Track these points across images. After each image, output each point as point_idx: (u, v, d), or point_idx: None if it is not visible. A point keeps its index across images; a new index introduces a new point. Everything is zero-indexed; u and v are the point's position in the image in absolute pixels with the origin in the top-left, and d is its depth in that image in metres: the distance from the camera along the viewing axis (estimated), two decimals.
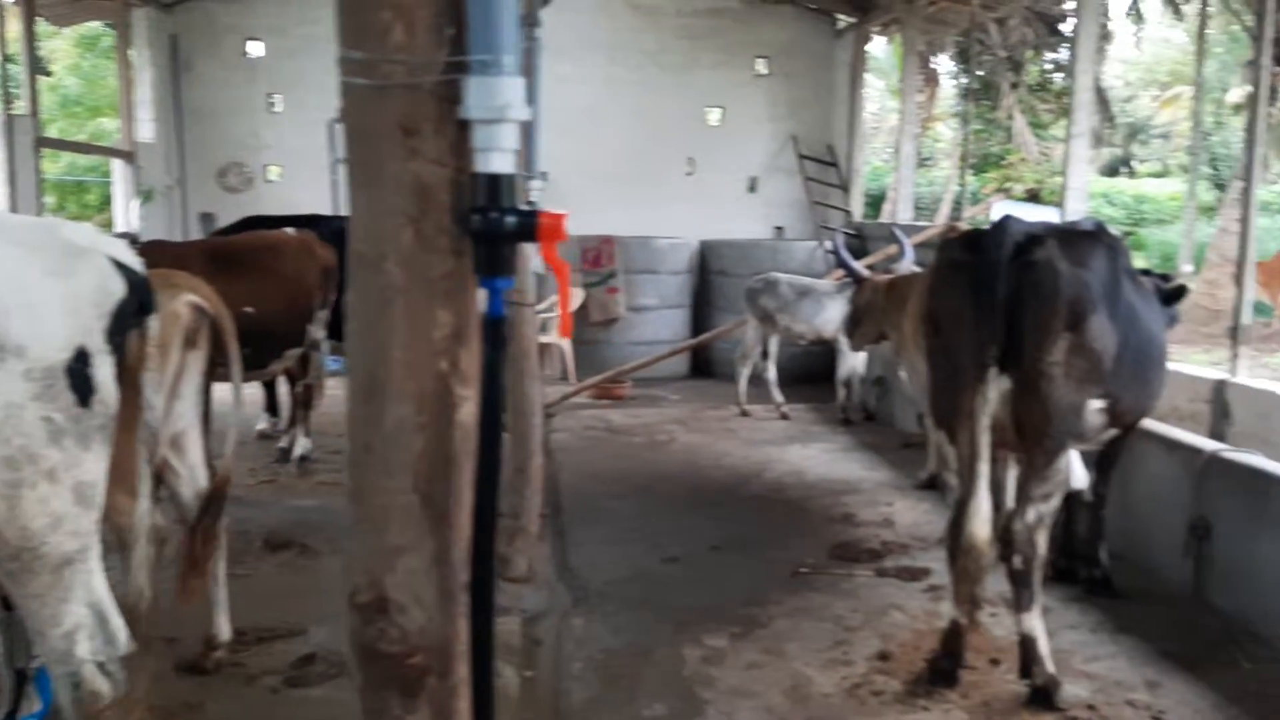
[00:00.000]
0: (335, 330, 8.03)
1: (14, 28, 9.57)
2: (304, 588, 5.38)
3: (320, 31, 12.71)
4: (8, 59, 9.11)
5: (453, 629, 1.28)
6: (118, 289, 2.80)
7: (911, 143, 12.61)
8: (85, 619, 2.74)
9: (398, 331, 1.22)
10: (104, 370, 2.76)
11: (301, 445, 8.09)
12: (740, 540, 6.07)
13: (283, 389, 8.99)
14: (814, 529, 6.28)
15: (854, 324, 7.29)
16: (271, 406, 9.27)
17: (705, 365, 11.83)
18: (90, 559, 2.76)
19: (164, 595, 3.71)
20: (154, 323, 3.05)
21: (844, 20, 13.11)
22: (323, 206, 11.62)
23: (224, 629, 4.38)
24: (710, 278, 12.00)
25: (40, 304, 2.62)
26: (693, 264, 12.05)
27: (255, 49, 12.98)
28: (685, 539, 6.08)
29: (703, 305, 12.08)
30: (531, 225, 1.40)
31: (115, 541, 3.23)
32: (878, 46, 18.44)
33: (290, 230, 7.67)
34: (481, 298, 1.37)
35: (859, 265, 7.48)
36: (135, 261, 2.95)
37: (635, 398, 10.50)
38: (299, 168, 13.06)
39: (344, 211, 10.96)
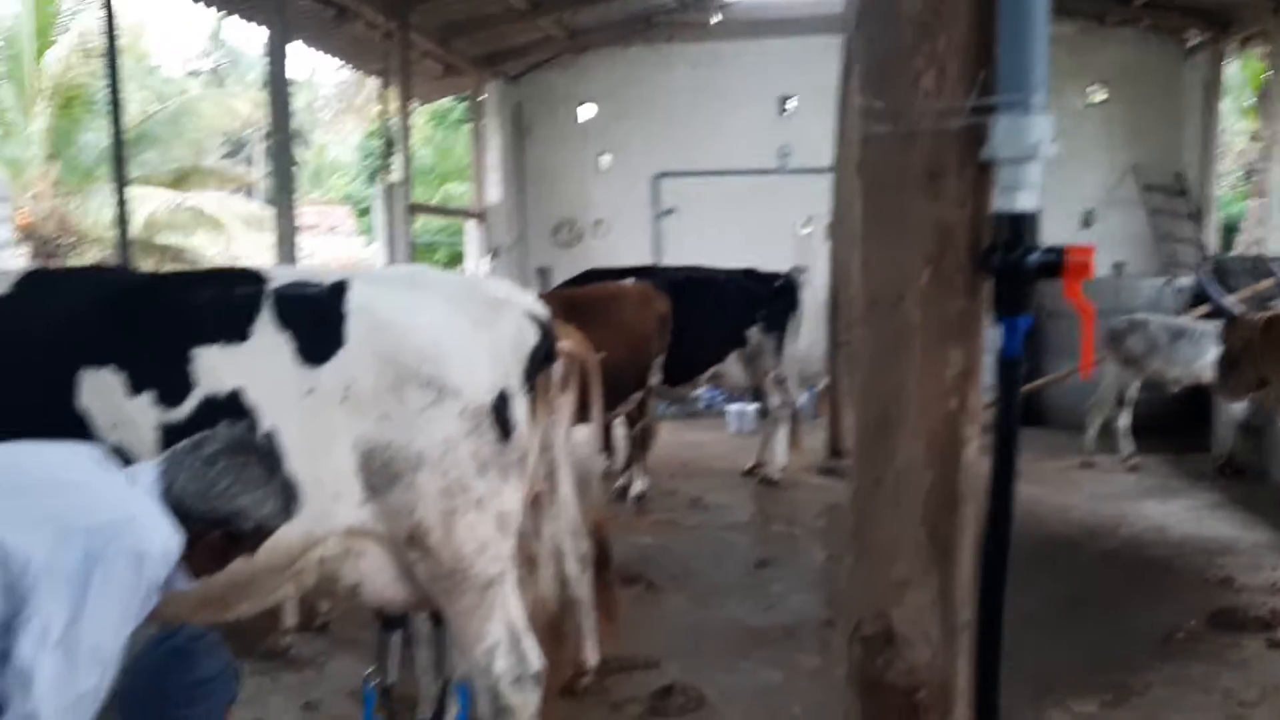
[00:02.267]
0: (667, 375, 8.36)
1: (390, 107, 10.85)
2: (653, 622, 5.59)
3: (643, 94, 13.52)
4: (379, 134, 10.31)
5: (954, 667, 1.28)
6: (531, 337, 3.08)
7: None
8: (502, 637, 3.00)
9: (912, 370, 1.25)
10: (520, 410, 3.04)
11: (639, 484, 8.45)
12: (1098, 599, 5.65)
13: (618, 431, 9.47)
14: (1184, 591, 5.73)
15: (1227, 368, 6.61)
16: (607, 447, 9.76)
17: (1034, 413, 11.14)
18: (507, 583, 3.03)
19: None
20: (557, 367, 3.32)
21: (1196, 38, 12.11)
22: (644, 258, 12.22)
23: (592, 655, 4.63)
24: (1040, 319, 11.32)
25: (471, 351, 2.93)
26: None
27: (586, 112, 13.89)
28: (1036, 595, 5.72)
29: (1030, 349, 11.38)
30: (1056, 262, 1.38)
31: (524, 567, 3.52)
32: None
33: (630, 281, 8.09)
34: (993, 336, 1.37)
35: (1231, 301, 6.80)
36: (544, 312, 3.23)
37: None
38: (622, 222, 13.84)
39: (668, 262, 11.48)
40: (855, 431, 1.33)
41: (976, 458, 1.26)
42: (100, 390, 2.58)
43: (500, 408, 2.95)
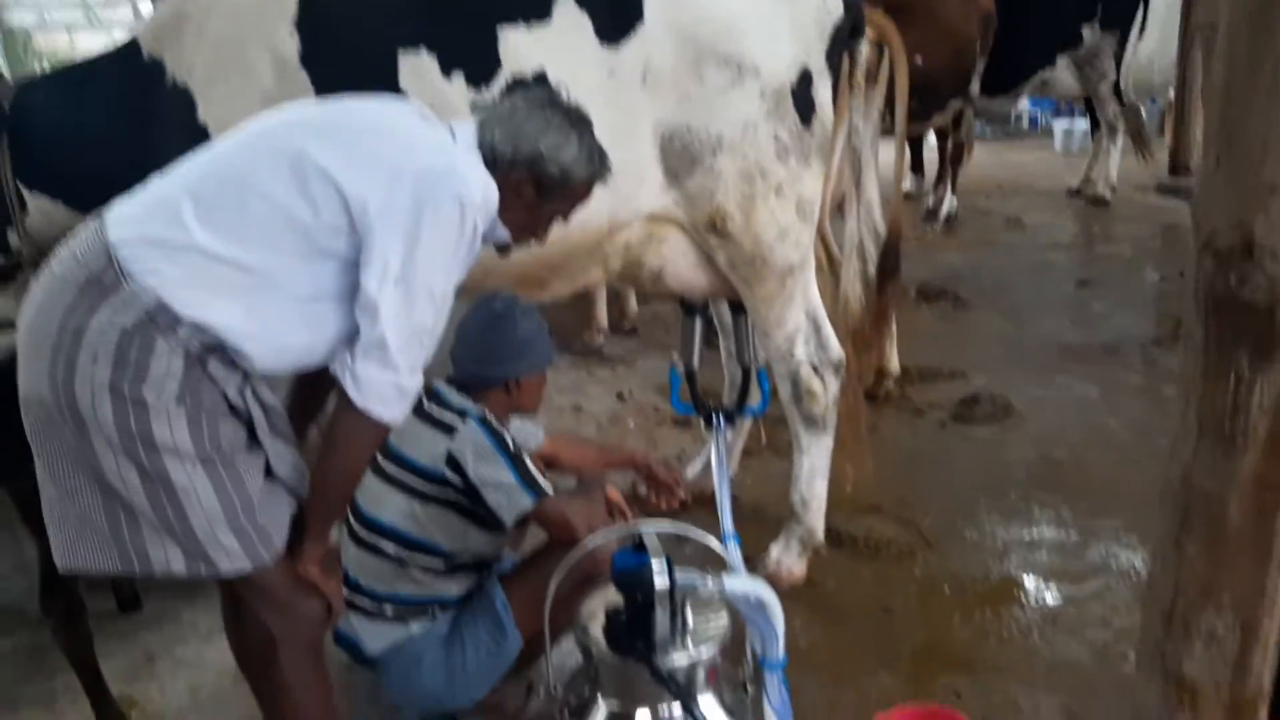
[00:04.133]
0: (986, 83, 7.68)
1: None
2: (960, 336, 5.45)
3: None
4: None
5: None
6: (836, 10, 2.86)
7: None
8: (803, 324, 3.00)
9: None
10: (823, 91, 2.87)
11: (948, 204, 8.05)
12: None
13: (927, 152, 8.96)
14: None
15: None
16: (916, 165, 9.30)
17: None
18: (808, 271, 2.99)
19: None
20: (864, 46, 3.09)
21: None
22: None
23: (894, 362, 4.60)
24: None
25: (772, 27, 2.77)
26: None
27: None
28: None
29: None
30: None
31: (823, 259, 3.46)
32: None
33: None
34: None
35: None
36: None
37: None
38: None
39: None
40: (1227, 10, 1.10)
41: None
42: (417, 71, 2.68)
43: (802, 88, 2.80)
